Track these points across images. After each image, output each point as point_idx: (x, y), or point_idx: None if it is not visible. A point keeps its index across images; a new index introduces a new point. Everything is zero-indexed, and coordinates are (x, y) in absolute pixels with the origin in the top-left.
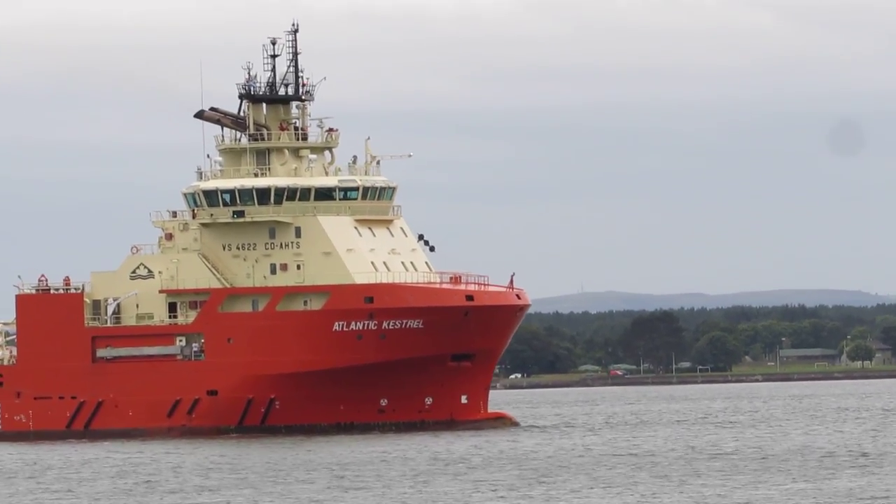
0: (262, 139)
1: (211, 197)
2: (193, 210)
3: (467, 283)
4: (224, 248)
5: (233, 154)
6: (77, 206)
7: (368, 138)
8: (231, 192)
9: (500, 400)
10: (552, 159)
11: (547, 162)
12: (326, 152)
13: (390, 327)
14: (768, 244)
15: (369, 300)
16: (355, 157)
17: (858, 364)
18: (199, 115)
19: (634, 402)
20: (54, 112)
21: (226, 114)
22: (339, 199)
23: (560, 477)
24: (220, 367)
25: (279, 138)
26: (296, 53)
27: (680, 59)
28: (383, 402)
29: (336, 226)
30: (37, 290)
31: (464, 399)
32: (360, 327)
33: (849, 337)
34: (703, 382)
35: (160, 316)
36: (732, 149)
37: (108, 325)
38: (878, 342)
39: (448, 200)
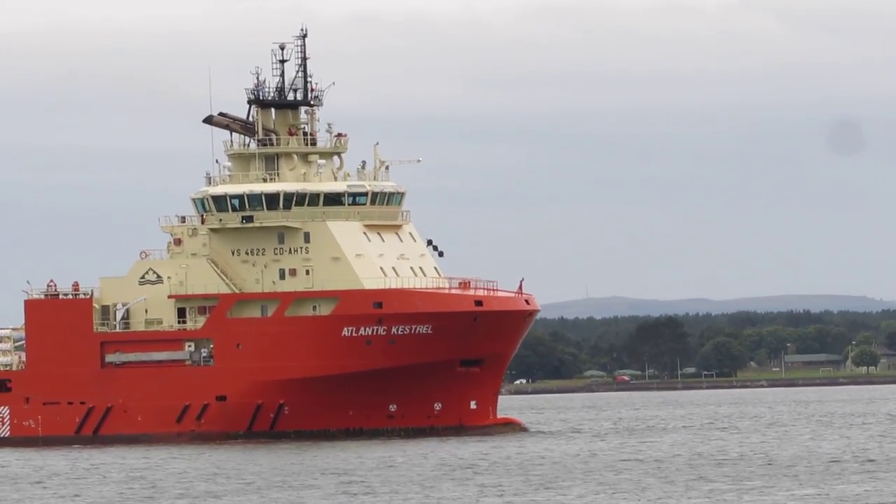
0: (271, 144)
1: (220, 202)
2: (202, 215)
3: (476, 288)
4: (233, 254)
5: (242, 159)
6: (86, 212)
7: (377, 143)
8: (240, 197)
9: (505, 405)
10: (557, 165)
11: (551, 167)
12: (335, 157)
13: (399, 332)
14: (773, 250)
15: (378, 305)
16: (364, 163)
17: (863, 369)
18: (208, 120)
19: (640, 408)
20: (64, 117)
21: (235, 119)
22: (348, 205)
23: (566, 482)
24: (229, 372)
25: (288, 143)
26: (304, 58)
27: (685, 64)
28: (392, 408)
29: (345, 231)
30: (46, 296)
31: (473, 405)
32: (369, 333)
33: (854, 342)
34: (707, 388)
35: (169, 321)
36: (737, 154)
37: (117, 330)
38: (882, 347)
39: (451, 205)
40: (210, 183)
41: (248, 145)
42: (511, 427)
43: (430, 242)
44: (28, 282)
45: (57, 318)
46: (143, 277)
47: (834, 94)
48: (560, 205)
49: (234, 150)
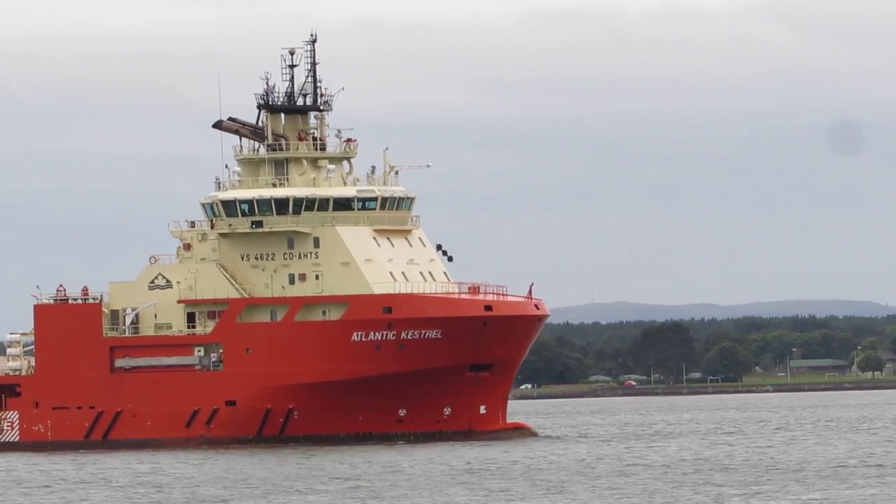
0: (281, 149)
1: (229, 207)
2: (212, 220)
3: (486, 293)
4: (242, 259)
5: (251, 164)
6: (95, 217)
7: (387, 148)
8: (249, 202)
9: (511, 410)
10: (562, 170)
11: (557, 172)
12: (345, 162)
13: (409, 337)
14: (779, 255)
15: (388, 310)
16: (374, 168)
17: (868, 374)
18: (218, 125)
19: (646, 413)
20: (73, 122)
21: (244, 124)
22: (358, 210)
23: (574, 487)
24: (239, 377)
25: (297, 148)
26: (314, 63)
27: (691, 69)
28: (402, 413)
29: (354, 236)
30: (55, 300)
31: (482, 409)
32: (379, 337)
33: (859, 347)
34: (713, 393)
35: (178, 326)
36: (743, 159)
37: (127, 335)
38: (888, 353)
39: (458, 210)
40: (220, 188)
41: (258, 150)
42: (521, 432)
43: (439, 247)
44: (37, 286)
45: (66, 322)
46: (152, 282)
47: (840, 100)
48: (565, 210)
49: (244, 155)
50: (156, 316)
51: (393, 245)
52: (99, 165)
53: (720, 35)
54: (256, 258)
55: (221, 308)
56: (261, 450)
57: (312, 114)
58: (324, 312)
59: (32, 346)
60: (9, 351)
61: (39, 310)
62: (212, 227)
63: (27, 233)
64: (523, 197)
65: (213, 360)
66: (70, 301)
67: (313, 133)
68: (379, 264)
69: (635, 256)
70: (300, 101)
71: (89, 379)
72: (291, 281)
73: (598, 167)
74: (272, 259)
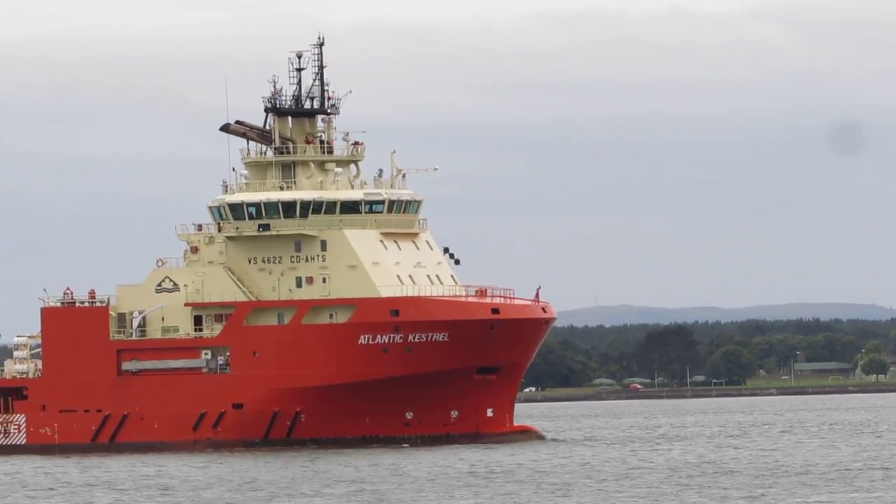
0: (288, 152)
1: (236, 210)
2: (219, 223)
3: (493, 296)
4: (249, 262)
5: (258, 167)
6: (103, 220)
7: (394, 151)
8: (257, 205)
9: (516, 413)
10: (565, 173)
11: (560, 175)
12: (352, 165)
13: (416, 340)
14: (782, 258)
15: (395, 313)
16: (381, 171)
17: (873, 378)
18: (225, 128)
19: (650, 416)
20: (80, 126)
21: (251, 127)
22: (365, 213)
23: (580, 490)
24: (246, 380)
25: (305, 152)
26: (321, 67)
27: (694, 73)
28: (409, 416)
29: (362, 239)
30: (62, 303)
31: (489, 412)
32: (386, 340)
33: (863, 350)
34: (717, 396)
35: (185, 329)
36: (746, 162)
37: (134, 338)
38: (892, 356)
39: (461, 213)
40: (227, 191)
41: (265, 153)
42: (527, 435)
43: (446, 250)
44: (44, 289)
45: (73, 325)
46: (159, 285)
47: (844, 103)
48: (569, 213)
49: (251, 159)
50: (163, 319)
51: (400, 248)
52: (106, 169)
53: (723, 38)
54: (263, 261)
55: (228, 311)
56: (267, 453)
57: (320, 117)
58: (331, 315)
59: (39, 349)
60: (16, 354)
61: (46, 313)
62: (219, 231)
63: (34, 236)
64: (525, 200)
65: (220, 363)
66: (77, 304)
67: (320, 136)
68: (386, 267)
69: (639, 259)
70: (307, 105)
71: (96, 382)
72: (298, 284)
73: (602, 170)
74: (279, 262)
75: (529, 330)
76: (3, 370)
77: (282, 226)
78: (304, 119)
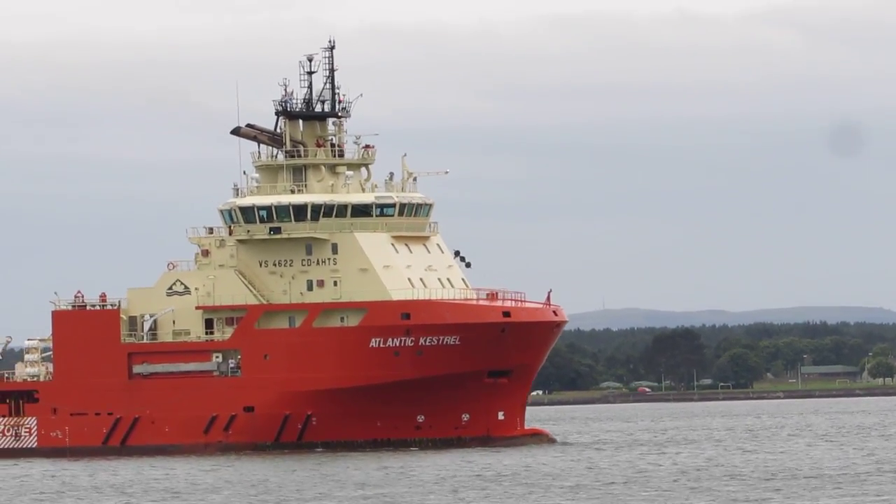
0: (299, 156)
1: (247, 213)
2: (230, 226)
3: (504, 299)
4: (261, 265)
5: (269, 171)
6: (114, 223)
7: (405, 155)
8: (268, 208)
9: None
10: (572, 177)
11: (567, 179)
12: (363, 169)
13: (427, 343)
14: (789, 261)
15: (406, 316)
16: (392, 174)
17: (880, 381)
18: (236, 131)
19: (658, 420)
20: (92, 129)
21: (262, 130)
22: (376, 216)
23: (587, 492)
24: (257, 383)
25: (315, 155)
26: (332, 70)
27: (700, 76)
28: (420, 419)
29: (373, 242)
30: (73, 307)
31: (500, 415)
32: (397, 343)
33: (870, 354)
34: (724, 399)
35: (196, 332)
36: (753, 166)
37: (145, 341)
38: None
39: (474, 217)
40: (238, 194)
41: (276, 157)
42: (538, 438)
43: (457, 253)
44: (55, 293)
45: (84, 329)
46: (170, 288)
47: (849, 106)
48: (576, 216)
49: (262, 162)
50: (174, 322)
51: (411, 251)
52: (117, 172)
53: (729, 41)
54: (275, 264)
55: (239, 314)
56: (278, 456)
57: (330, 120)
58: (342, 319)
59: (50, 353)
60: (27, 357)
61: (57, 316)
62: (230, 234)
63: (45, 239)
64: (533, 203)
65: (232, 366)
66: (88, 307)
67: (331, 139)
68: (397, 270)
69: (646, 263)
70: (318, 108)
71: (107, 385)
72: (310, 287)
73: (609, 174)
74: (290, 265)
75: (540, 333)
76: (14, 373)
77: (293, 229)
78: (315, 122)
